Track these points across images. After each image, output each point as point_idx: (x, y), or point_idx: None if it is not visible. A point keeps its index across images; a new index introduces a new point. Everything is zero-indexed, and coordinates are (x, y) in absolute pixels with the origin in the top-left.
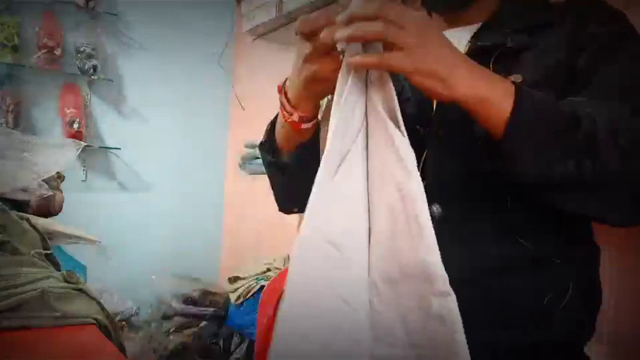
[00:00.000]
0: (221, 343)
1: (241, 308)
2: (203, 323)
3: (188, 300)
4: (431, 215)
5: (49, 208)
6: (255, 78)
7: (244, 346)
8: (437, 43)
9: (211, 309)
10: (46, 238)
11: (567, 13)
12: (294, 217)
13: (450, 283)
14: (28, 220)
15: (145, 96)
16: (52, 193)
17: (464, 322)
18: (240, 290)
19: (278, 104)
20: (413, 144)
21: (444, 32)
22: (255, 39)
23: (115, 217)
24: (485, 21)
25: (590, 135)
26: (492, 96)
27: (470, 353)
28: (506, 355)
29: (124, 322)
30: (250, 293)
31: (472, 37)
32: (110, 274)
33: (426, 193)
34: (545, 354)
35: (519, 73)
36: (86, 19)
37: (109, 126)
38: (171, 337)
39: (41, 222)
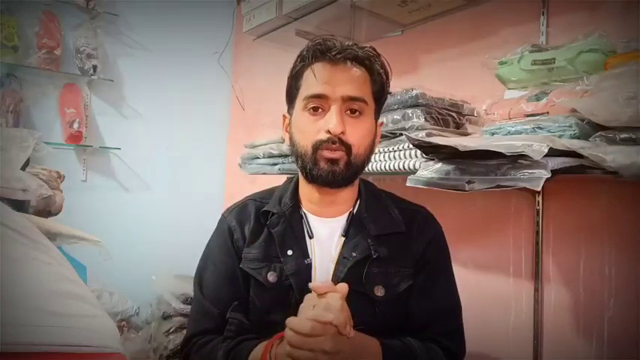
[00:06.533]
0: None
1: None
2: None
3: (188, 300)
4: None
5: (49, 208)
6: (255, 78)
7: None
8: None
9: None
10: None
11: (408, 225)
12: None
13: None
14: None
15: (146, 96)
16: (52, 193)
17: None
18: None
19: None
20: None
21: (316, 221)
22: (255, 39)
23: (115, 217)
24: (350, 211)
25: None
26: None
27: None
28: None
29: (124, 322)
30: None
31: (344, 235)
32: (110, 274)
33: None
34: None
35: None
36: (86, 19)
37: (109, 126)
38: (171, 337)
39: (41, 222)
